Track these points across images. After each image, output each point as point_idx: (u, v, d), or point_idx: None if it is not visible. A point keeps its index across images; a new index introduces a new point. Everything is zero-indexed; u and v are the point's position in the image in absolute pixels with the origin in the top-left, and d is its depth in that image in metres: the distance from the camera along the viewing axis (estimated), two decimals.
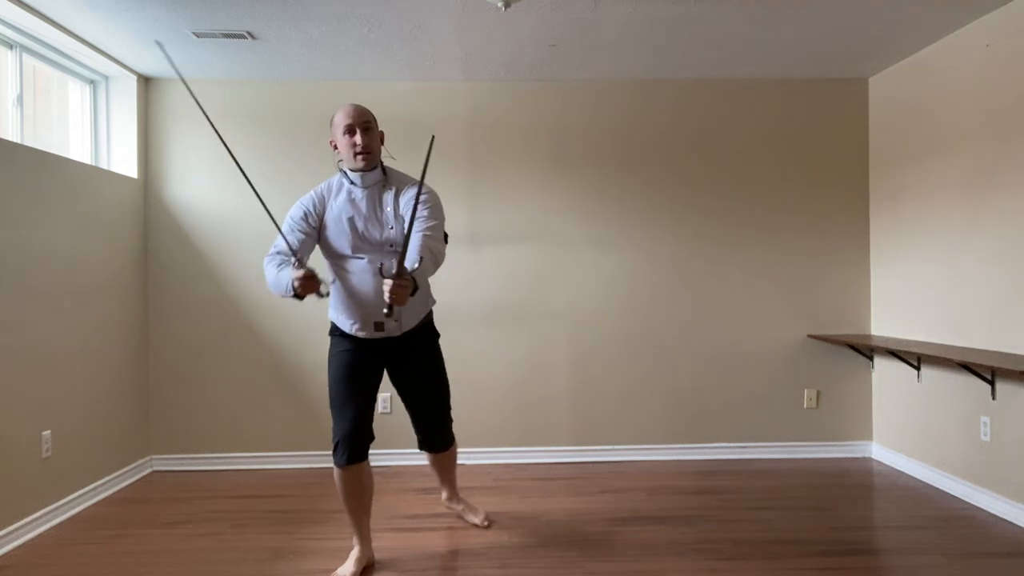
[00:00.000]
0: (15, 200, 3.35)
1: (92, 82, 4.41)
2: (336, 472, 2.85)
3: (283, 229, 2.72)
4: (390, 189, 2.83)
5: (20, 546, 3.29)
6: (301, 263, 2.59)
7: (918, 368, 4.22)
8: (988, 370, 3.57)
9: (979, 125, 3.73)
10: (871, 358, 4.72)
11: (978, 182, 3.74)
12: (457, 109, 4.68)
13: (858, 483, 4.16)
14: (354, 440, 2.81)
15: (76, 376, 3.81)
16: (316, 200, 2.83)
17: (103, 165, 4.43)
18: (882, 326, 4.64)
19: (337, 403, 2.83)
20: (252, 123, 4.63)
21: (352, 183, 2.83)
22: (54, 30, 3.66)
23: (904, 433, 4.40)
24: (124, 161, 4.47)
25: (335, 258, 2.83)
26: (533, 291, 4.70)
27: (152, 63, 4.30)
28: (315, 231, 2.81)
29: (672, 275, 4.74)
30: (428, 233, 2.72)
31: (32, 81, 3.89)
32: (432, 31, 3.82)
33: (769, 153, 4.77)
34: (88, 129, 4.38)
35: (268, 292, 4.62)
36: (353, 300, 2.80)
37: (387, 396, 4.64)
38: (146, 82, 4.58)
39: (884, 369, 4.61)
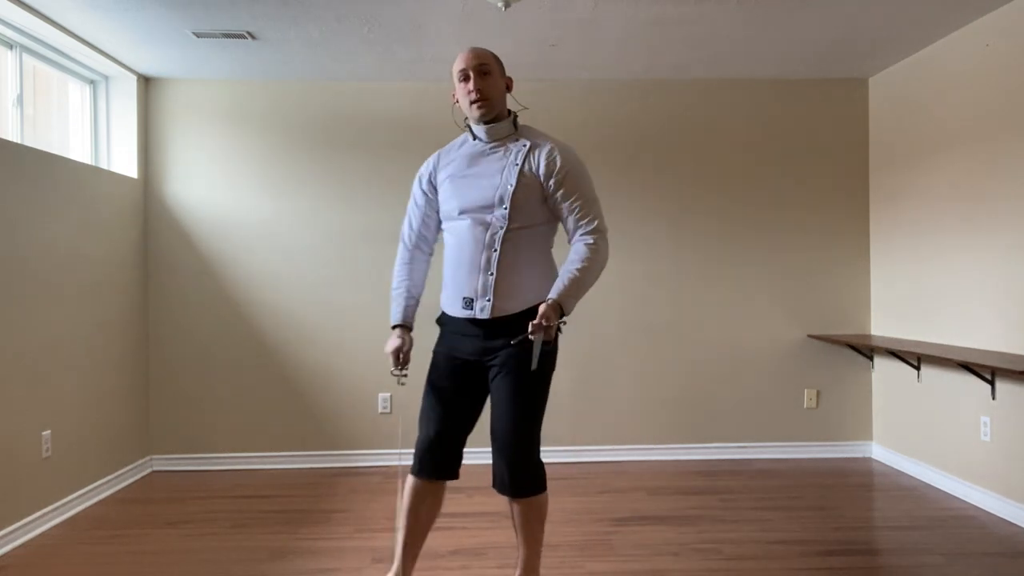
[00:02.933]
0: (15, 200, 3.35)
1: (92, 82, 4.41)
2: (408, 479, 2.55)
3: (408, 210, 2.59)
4: (523, 143, 2.42)
5: (20, 546, 3.28)
6: (406, 322, 2.55)
7: (918, 368, 4.22)
8: (988, 370, 3.57)
9: (979, 125, 3.73)
10: (871, 358, 4.72)
11: (978, 182, 3.74)
12: (457, 109, 4.67)
13: (858, 483, 4.16)
14: (426, 453, 2.47)
15: (76, 376, 3.81)
16: (432, 163, 2.55)
17: (103, 165, 4.43)
18: (882, 326, 4.64)
19: (421, 412, 2.51)
20: (252, 123, 4.63)
21: (476, 138, 2.46)
22: (54, 30, 3.66)
23: (904, 433, 4.40)
24: (124, 161, 4.47)
25: (444, 222, 2.51)
26: None
27: (152, 63, 4.30)
28: (435, 199, 2.53)
29: (672, 275, 4.74)
30: (586, 241, 2.36)
31: (32, 81, 3.89)
32: (432, 31, 3.82)
33: (769, 153, 4.77)
34: (88, 129, 4.38)
35: (268, 292, 4.62)
36: (449, 267, 2.46)
37: (387, 396, 4.64)
38: (146, 82, 4.58)
39: (884, 369, 4.61)
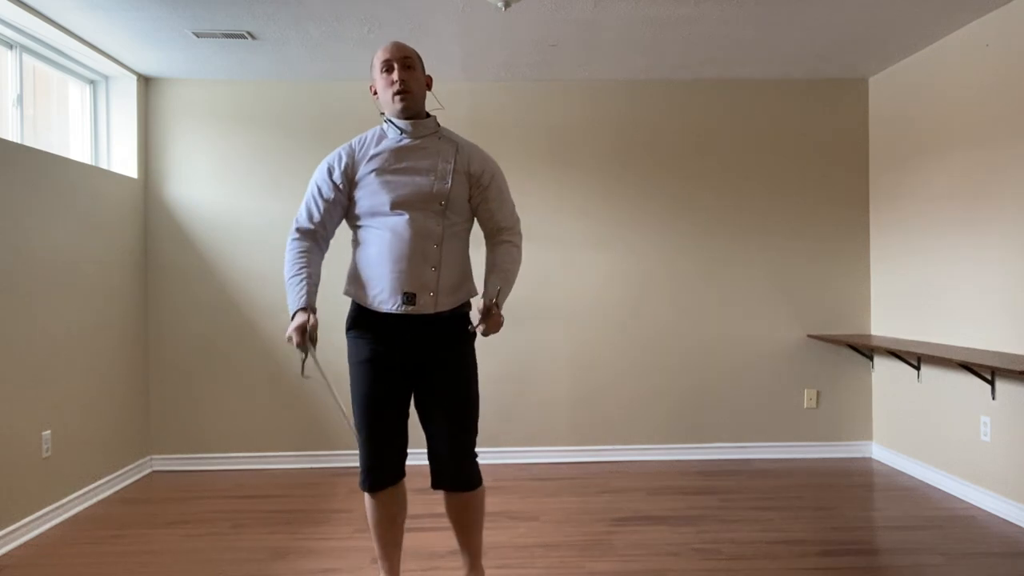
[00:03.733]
0: (15, 200, 3.35)
1: (92, 82, 4.41)
2: (365, 497, 2.51)
3: (306, 201, 2.42)
4: (449, 142, 2.43)
5: (20, 546, 3.29)
6: (310, 305, 2.33)
7: (918, 368, 4.22)
8: (988, 370, 3.57)
9: (979, 125, 3.73)
10: (871, 358, 4.72)
11: (978, 182, 3.74)
12: (457, 109, 4.68)
13: (858, 483, 4.16)
14: (379, 468, 2.41)
15: (76, 376, 3.81)
16: (346, 156, 2.40)
17: (103, 165, 4.43)
18: (882, 326, 4.64)
19: (361, 427, 2.41)
20: (252, 123, 4.63)
21: (402, 131, 2.39)
22: (54, 30, 3.66)
23: (904, 433, 4.40)
24: (124, 161, 4.47)
25: (366, 217, 2.38)
26: (533, 291, 4.70)
27: (152, 63, 4.30)
28: (344, 195, 2.39)
29: (672, 275, 4.74)
30: (513, 241, 2.51)
31: (32, 81, 3.90)
32: (432, 31, 3.82)
33: (769, 153, 4.77)
34: (88, 129, 4.38)
35: (268, 292, 4.62)
36: (382, 263, 2.33)
37: None
38: (146, 82, 4.58)
39: (884, 369, 4.61)
